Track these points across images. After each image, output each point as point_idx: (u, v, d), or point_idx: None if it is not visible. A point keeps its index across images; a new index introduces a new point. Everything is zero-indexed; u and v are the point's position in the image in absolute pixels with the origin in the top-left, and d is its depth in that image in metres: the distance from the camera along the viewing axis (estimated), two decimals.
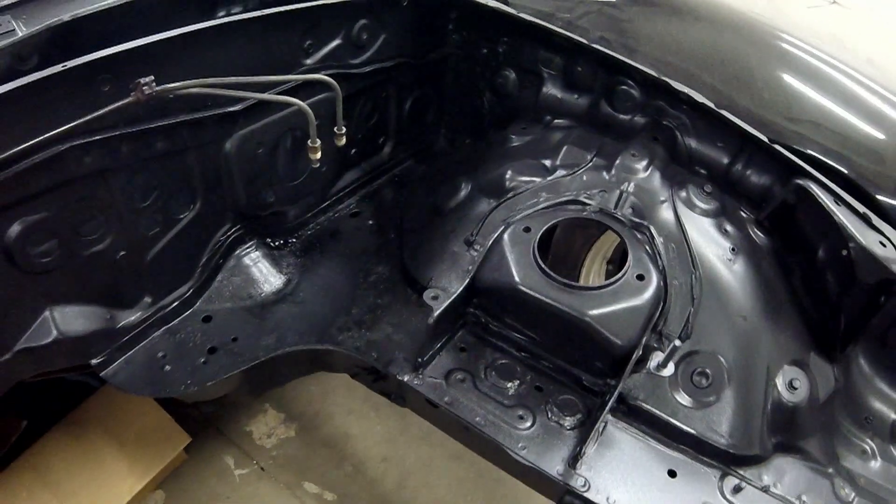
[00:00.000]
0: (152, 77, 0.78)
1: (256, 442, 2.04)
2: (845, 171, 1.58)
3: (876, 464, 1.19)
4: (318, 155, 0.96)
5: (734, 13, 1.82)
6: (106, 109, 0.81)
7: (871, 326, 1.17)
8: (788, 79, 1.70)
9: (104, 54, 0.84)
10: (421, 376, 1.05)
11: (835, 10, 2.36)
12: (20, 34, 0.99)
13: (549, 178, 1.18)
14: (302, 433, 2.07)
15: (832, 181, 1.43)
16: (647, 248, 1.05)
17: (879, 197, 1.52)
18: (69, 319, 1.03)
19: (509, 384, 1.07)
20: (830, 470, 1.12)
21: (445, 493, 1.94)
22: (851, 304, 1.13)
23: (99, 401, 1.74)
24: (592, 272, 1.61)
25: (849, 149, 1.61)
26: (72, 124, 0.83)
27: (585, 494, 0.95)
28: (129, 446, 1.69)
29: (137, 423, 1.72)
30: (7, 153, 0.83)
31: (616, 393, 0.97)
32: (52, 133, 0.83)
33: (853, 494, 1.09)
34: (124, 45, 0.86)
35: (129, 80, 0.86)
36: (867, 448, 1.20)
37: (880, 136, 1.65)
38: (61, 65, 0.82)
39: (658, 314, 1.01)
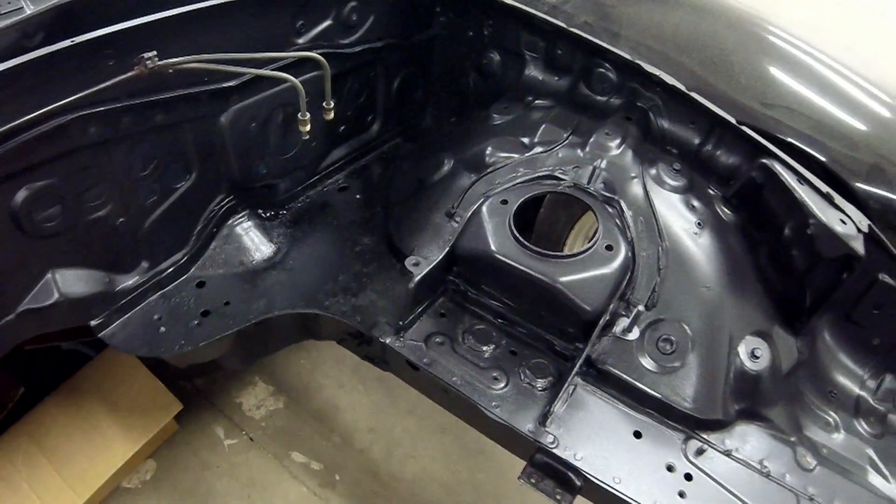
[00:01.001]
0: (155, 52, 0.85)
1: (246, 413, 2.13)
2: (817, 156, 1.68)
3: (839, 436, 1.25)
4: (308, 127, 1.03)
5: (715, 1, 1.90)
6: (110, 82, 0.88)
7: (836, 302, 1.24)
8: (765, 65, 1.77)
9: (109, 31, 0.90)
10: (402, 339, 1.13)
11: None
12: (28, 12, 1.06)
13: (526, 155, 1.25)
14: (291, 405, 2.16)
15: (806, 165, 1.52)
16: (617, 220, 1.13)
17: (856, 184, 1.62)
18: (70, 282, 1.10)
19: (485, 348, 1.15)
20: (793, 439, 1.19)
21: (431, 464, 2.04)
22: (816, 279, 1.21)
23: (94, 369, 1.82)
24: (574, 251, 1.70)
25: (823, 134, 1.68)
26: (77, 96, 0.89)
27: (554, 451, 1.03)
28: (123, 413, 1.77)
29: (131, 391, 1.79)
30: (15, 122, 0.90)
31: (584, 355, 1.05)
32: (58, 104, 0.90)
33: (815, 463, 1.16)
34: (128, 22, 0.92)
35: (132, 55, 0.92)
36: (831, 420, 1.27)
37: (854, 122, 1.73)
38: (69, 40, 0.88)
39: (626, 283, 1.08)
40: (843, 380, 1.31)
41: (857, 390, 1.31)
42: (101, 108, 0.97)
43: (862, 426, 1.29)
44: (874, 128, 1.70)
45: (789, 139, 1.65)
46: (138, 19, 0.94)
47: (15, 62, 0.87)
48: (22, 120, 0.89)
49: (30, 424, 1.73)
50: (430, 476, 1.99)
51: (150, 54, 0.86)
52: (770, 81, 1.74)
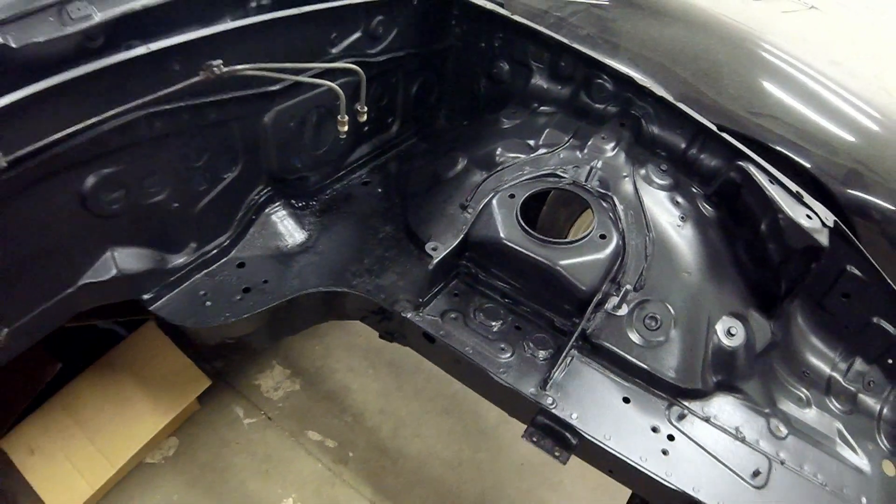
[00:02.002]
0: (221, 60, 1.02)
1: (264, 394, 2.29)
2: (802, 162, 1.85)
3: (811, 411, 1.38)
4: (346, 128, 1.20)
5: (708, 16, 2.08)
6: (181, 85, 1.05)
7: (808, 291, 1.40)
8: (753, 76, 1.95)
9: (180, 40, 1.07)
10: (421, 314, 1.30)
11: (812, 14, 2.62)
12: (96, 19, 1.22)
13: (532, 155, 1.42)
14: (306, 387, 2.33)
15: (792, 170, 1.69)
16: (610, 214, 1.30)
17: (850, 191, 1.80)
18: (127, 259, 1.25)
19: (494, 323, 1.31)
20: (767, 410, 1.34)
21: (435, 443, 2.20)
22: (789, 270, 1.37)
23: (126, 348, 1.98)
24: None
25: (805, 140, 1.87)
26: (151, 97, 1.06)
27: (553, 410, 1.19)
28: (153, 388, 1.93)
29: (161, 367, 1.96)
30: (93, 119, 1.06)
31: (580, 328, 1.22)
32: (133, 104, 1.07)
33: (787, 432, 1.29)
34: (194, 33, 1.09)
35: (195, 62, 1.09)
36: (803, 396, 1.40)
37: (835, 129, 1.91)
38: (144, 47, 1.05)
39: (616, 267, 1.25)
40: (815, 361, 1.45)
41: (828, 371, 1.44)
42: (166, 107, 1.14)
43: (833, 403, 1.42)
44: (854, 135, 1.88)
45: (777, 147, 1.84)
46: (203, 31, 1.11)
47: (98, 65, 1.03)
48: (100, 117, 1.06)
49: (65, 398, 1.89)
50: (435, 454, 2.16)
51: (216, 62, 1.03)
52: (757, 92, 1.93)
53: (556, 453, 1.22)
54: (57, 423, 1.83)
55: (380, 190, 1.61)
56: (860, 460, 1.33)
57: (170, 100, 1.13)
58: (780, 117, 1.87)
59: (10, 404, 1.83)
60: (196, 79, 1.05)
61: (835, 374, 1.44)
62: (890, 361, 1.41)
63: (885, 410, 1.41)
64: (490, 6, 1.53)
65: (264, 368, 2.34)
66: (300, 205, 1.48)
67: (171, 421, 1.93)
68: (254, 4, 1.44)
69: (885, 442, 1.38)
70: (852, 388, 1.43)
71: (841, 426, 1.38)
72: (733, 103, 1.86)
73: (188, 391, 1.95)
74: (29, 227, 1.08)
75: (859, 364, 1.43)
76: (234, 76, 1.10)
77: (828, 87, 1.94)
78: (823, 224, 1.27)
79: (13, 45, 1.04)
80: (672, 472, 1.16)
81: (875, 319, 1.37)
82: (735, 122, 1.82)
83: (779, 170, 1.42)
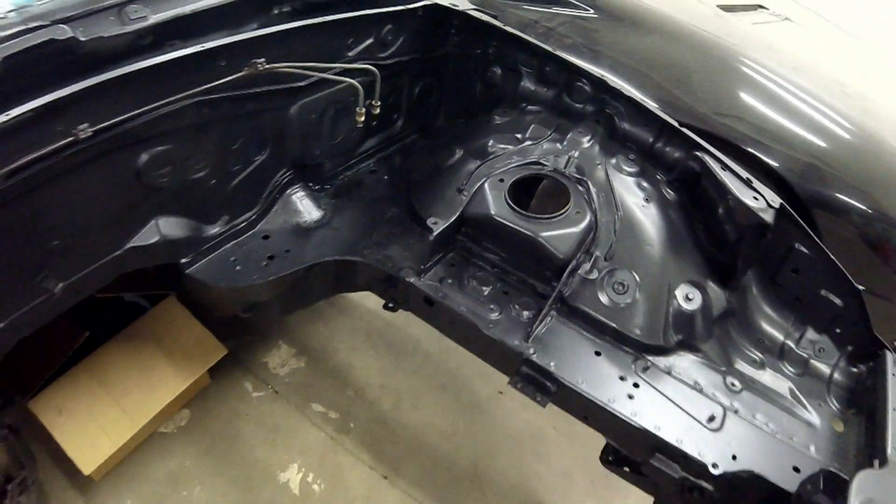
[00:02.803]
0: (264, 59, 1.27)
1: (272, 371, 2.52)
2: (761, 156, 2.11)
3: (765, 373, 1.56)
4: (363, 118, 1.45)
5: (682, 28, 2.36)
6: (229, 78, 1.29)
7: (761, 265, 1.59)
8: (720, 81, 2.23)
9: (228, 41, 1.31)
10: (422, 280, 1.53)
11: (784, 25, 2.92)
12: (150, 20, 1.46)
13: (519, 147, 1.67)
14: (311, 364, 2.55)
15: (750, 163, 1.94)
16: (585, 195, 1.54)
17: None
18: (169, 226, 1.47)
19: (485, 289, 1.54)
20: (724, 369, 1.53)
21: (431, 415, 2.43)
22: (743, 247, 1.59)
23: (150, 319, 2.20)
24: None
25: (766, 137, 2.13)
26: (201, 88, 1.30)
27: (534, 359, 1.42)
28: (173, 355, 2.15)
29: (181, 336, 2.18)
30: (150, 106, 1.30)
31: (558, 290, 1.46)
32: (185, 93, 1.31)
33: (741, 387, 1.48)
34: (239, 35, 1.33)
35: (238, 60, 1.33)
36: (758, 359, 1.58)
37: (794, 128, 2.17)
38: (199, 45, 1.29)
39: (589, 239, 1.48)
40: (770, 329, 1.63)
41: (782, 338, 1.62)
42: (212, 97, 1.38)
43: (786, 367, 1.59)
44: (811, 133, 2.14)
45: (738, 143, 2.10)
46: (246, 34, 1.35)
47: (158, 60, 1.27)
48: (159, 103, 1.29)
49: (92, 364, 2.10)
50: (432, 425, 2.39)
51: (260, 60, 1.28)
52: (724, 95, 2.20)
53: (538, 398, 1.45)
54: (83, 387, 2.03)
55: (386, 178, 1.86)
56: (810, 416, 1.49)
57: (215, 91, 1.37)
58: (743, 117, 2.13)
59: (40, 369, 2.03)
60: (241, 73, 1.30)
61: (788, 342, 1.61)
62: (838, 331, 1.58)
63: (835, 375, 1.58)
64: (485, 18, 1.79)
65: (271, 348, 2.57)
66: (317, 187, 1.73)
67: (189, 387, 2.15)
68: (276, 11, 1.70)
69: (835, 402, 1.54)
70: (804, 355, 1.60)
71: (793, 386, 1.55)
72: (702, 105, 2.13)
73: (206, 358, 2.18)
74: (94, 193, 1.30)
75: (811, 333, 1.61)
76: (269, 72, 1.36)
77: (789, 91, 2.21)
78: (769, 205, 1.50)
79: (81, 39, 1.28)
80: (637, 413, 1.38)
81: (822, 292, 1.56)
82: (703, 121, 2.09)
83: (741, 163, 1.68)
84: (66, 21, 1.30)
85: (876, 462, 1.27)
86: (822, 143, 2.12)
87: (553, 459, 2.33)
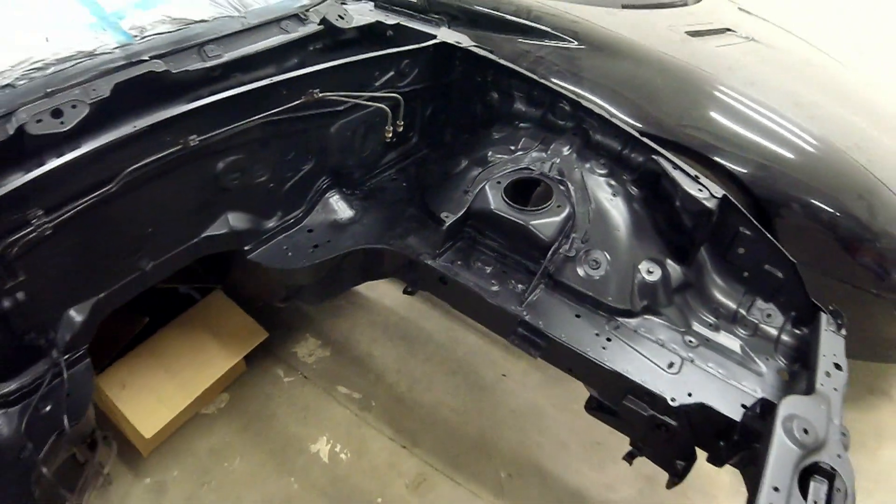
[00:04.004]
0: (319, 88, 1.80)
1: (301, 359, 2.98)
2: (717, 160, 2.62)
3: (719, 334, 1.88)
4: (390, 135, 1.98)
5: (651, 54, 2.91)
6: (292, 104, 1.81)
7: (713, 246, 1.96)
8: (682, 97, 2.76)
9: (291, 76, 1.81)
10: (437, 262, 2.03)
11: (749, 45, 3.46)
12: (224, 58, 1.98)
13: (512, 156, 2.19)
14: (335, 353, 3.02)
15: (708, 166, 2.46)
16: (565, 192, 2.05)
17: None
18: (236, 220, 1.95)
19: (487, 268, 2.02)
20: (683, 329, 1.86)
21: (443, 395, 2.88)
22: (697, 232, 1.99)
23: (200, 308, 2.65)
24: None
25: (722, 142, 2.66)
26: (268, 112, 1.82)
27: (527, 319, 1.86)
28: (221, 337, 2.58)
29: (228, 322, 2.64)
30: (227, 127, 1.81)
31: (544, 266, 1.96)
32: (256, 117, 1.82)
33: (698, 343, 1.82)
34: (297, 71, 1.86)
35: (295, 90, 1.85)
36: (713, 323, 1.91)
37: (747, 134, 2.67)
38: (269, 79, 1.80)
39: (569, 226, 1.98)
40: (724, 299, 1.96)
41: (734, 306, 1.93)
42: (274, 118, 1.88)
43: (738, 329, 1.89)
44: (763, 138, 2.65)
45: (699, 150, 2.62)
46: (302, 70, 1.85)
47: (244, 89, 1.75)
48: (237, 124, 1.81)
49: (151, 345, 2.51)
50: (444, 404, 2.85)
51: (315, 90, 1.81)
52: (686, 109, 2.73)
53: (531, 352, 1.93)
54: (144, 364, 2.44)
55: (404, 184, 2.38)
56: (759, 368, 1.79)
57: (278, 114, 1.88)
58: (702, 127, 2.66)
59: (106, 349, 2.46)
60: (300, 101, 1.83)
61: (740, 310, 1.92)
62: (782, 299, 1.91)
63: (782, 336, 1.89)
64: (483, 53, 2.33)
65: (300, 340, 3.05)
66: (349, 192, 2.25)
67: (234, 366, 2.63)
68: (311, 48, 2.25)
69: (782, 358, 1.84)
70: (754, 320, 1.91)
71: (744, 345, 1.86)
72: (667, 118, 2.67)
73: (249, 340, 2.66)
74: (182, 191, 1.77)
75: (759, 302, 1.93)
76: (317, 98, 1.89)
77: (742, 103, 2.73)
78: (712, 195, 1.99)
79: (173, 71, 1.81)
80: (610, 360, 1.80)
81: (766, 267, 1.89)
82: (668, 131, 2.63)
83: (701, 165, 2.18)
84: (159, 57, 1.84)
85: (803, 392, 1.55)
86: (770, 146, 2.64)
87: (552, 432, 2.79)
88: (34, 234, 1.41)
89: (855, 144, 2.74)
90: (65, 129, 1.55)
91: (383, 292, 3.35)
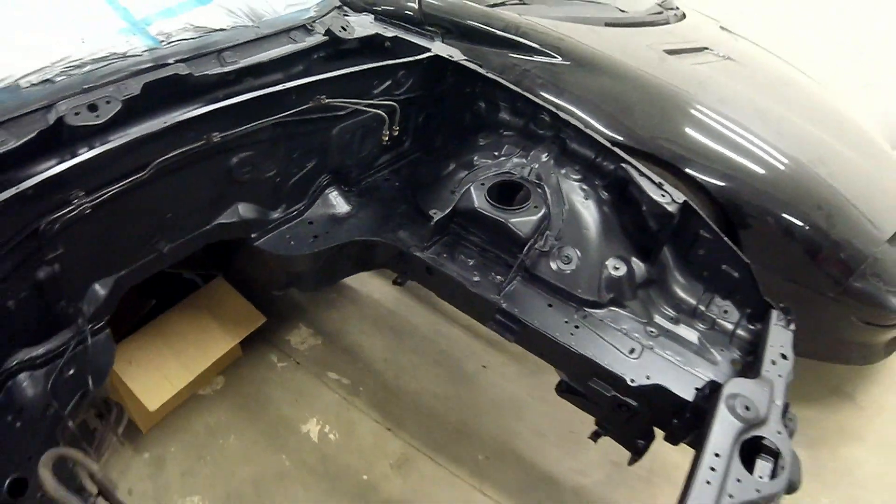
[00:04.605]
0: (325, 95, 2.10)
1: (293, 346, 3.24)
2: (684, 169, 2.94)
3: (679, 327, 2.08)
4: (387, 138, 2.28)
5: (628, 69, 3.23)
6: (299, 109, 2.10)
7: (676, 247, 2.22)
8: (656, 112, 3.08)
9: (301, 83, 2.06)
10: (424, 254, 2.31)
11: (724, 63, 3.80)
12: (240, 64, 2.26)
13: (496, 161, 2.48)
14: (326, 342, 3.29)
15: (674, 173, 2.78)
16: (542, 194, 2.35)
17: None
18: (245, 210, 2.20)
19: (470, 261, 2.30)
20: (645, 321, 2.06)
21: (427, 384, 3.15)
22: (661, 233, 2.28)
23: (204, 293, 2.91)
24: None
25: (691, 153, 2.98)
26: (280, 115, 2.11)
27: (504, 307, 2.14)
28: (222, 320, 2.83)
29: (228, 306, 2.89)
30: (241, 128, 2.07)
31: (520, 259, 2.26)
32: (268, 119, 2.10)
33: (658, 333, 2.02)
34: (306, 79, 2.13)
35: (303, 95, 2.14)
36: (673, 316, 2.10)
37: (715, 146, 2.99)
38: (280, 85, 2.09)
39: (544, 225, 2.26)
40: (685, 296, 2.16)
41: (695, 303, 2.11)
42: (283, 120, 2.17)
43: (697, 323, 2.08)
44: (729, 150, 2.96)
45: (666, 158, 2.94)
46: (309, 78, 2.14)
47: (260, 93, 2.00)
48: (251, 125, 2.09)
49: (157, 326, 2.72)
50: (427, 391, 3.12)
51: (322, 96, 2.10)
52: (658, 122, 3.06)
53: (507, 336, 2.23)
54: (150, 343, 2.65)
55: (397, 184, 2.67)
56: (714, 357, 1.98)
57: (288, 116, 2.14)
58: (674, 140, 2.98)
59: (116, 329, 2.78)
60: (308, 105, 2.12)
61: (700, 306, 2.11)
62: (738, 297, 2.10)
63: (737, 331, 2.07)
64: (472, 66, 2.64)
65: (293, 329, 3.33)
66: (347, 189, 2.53)
67: (232, 349, 2.91)
68: (315, 56, 2.55)
69: (736, 350, 2.02)
70: (712, 315, 2.10)
71: (702, 337, 2.05)
72: (641, 129, 2.99)
73: (248, 324, 2.91)
74: (199, 183, 2.01)
75: (717, 300, 2.12)
76: (322, 103, 2.18)
77: (710, 117, 3.05)
78: (674, 200, 2.29)
79: (195, 74, 2.08)
80: (577, 344, 2.06)
81: (724, 267, 2.09)
82: (641, 142, 2.95)
83: (672, 176, 2.50)
84: (182, 61, 2.11)
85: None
86: (736, 159, 2.95)
87: (528, 420, 3.07)
88: (75, 213, 1.65)
89: (818, 158, 3.06)
90: (100, 122, 1.79)
91: (373, 287, 3.64)
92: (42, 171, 1.61)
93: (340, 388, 3.04)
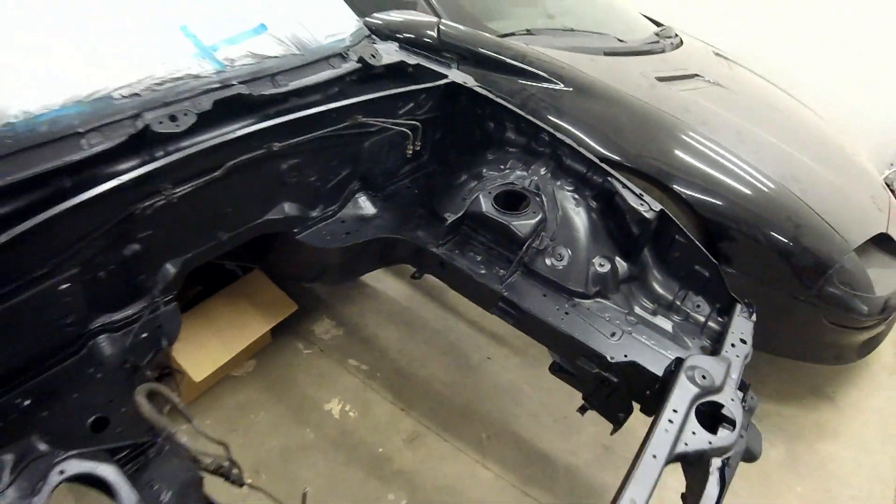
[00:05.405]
0: (360, 114, 2.65)
1: (318, 336, 3.74)
2: (669, 185, 3.47)
3: (656, 318, 2.41)
4: (411, 152, 2.82)
5: (621, 95, 3.77)
6: (339, 126, 2.64)
7: (655, 249, 2.68)
8: (644, 133, 3.61)
9: (342, 104, 2.58)
10: (439, 250, 2.85)
11: (713, 89, 4.34)
12: (290, 86, 2.78)
13: (501, 173, 3.02)
14: (347, 333, 3.80)
15: (659, 188, 3.32)
16: (539, 202, 2.89)
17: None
18: (290, 208, 2.66)
19: (478, 257, 2.82)
20: (626, 311, 2.38)
21: (437, 371, 3.63)
22: (642, 238, 2.86)
23: (243, 282, 3.26)
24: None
25: (674, 169, 3.51)
26: (325, 130, 2.65)
27: (506, 295, 2.66)
28: (259, 306, 3.24)
29: (265, 295, 3.38)
30: (299, 138, 2.57)
31: (520, 256, 2.79)
32: (311, 135, 2.64)
33: (637, 321, 2.34)
34: (345, 101, 2.68)
35: (342, 114, 2.67)
36: (651, 308, 2.43)
37: (696, 163, 3.51)
38: (325, 106, 2.62)
39: (541, 227, 2.80)
40: (662, 291, 2.50)
41: (671, 298, 2.43)
42: (326, 134, 2.71)
43: (672, 315, 2.40)
44: (709, 168, 3.48)
45: (653, 175, 3.47)
46: (351, 100, 2.68)
47: (309, 112, 2.52)
48: (302, 138, 2.60)
49: (203, 309, 3.05)
50: (437, 378, 3.61)
51: (358, 115, 2.65)
52: (646, 142, 3.60)
53: (508, 321, 2.75)
54: (195, 324, 3.00)
55: (416, 191, 3.19)
56: (685, 343, 2.29)
57: (330, 131, 2.71)
58: (659, 158, 3.51)
59: None
60: (346, 123, 2.67)
61: (676, 301, 2.44)
62: (709, 294, 2.42)
63: (708, 322, 2.38)
64: (483, 92, 3.19)
65: (317, 320, 3.83)
66: (373, 194, 3.04)
67: (265, 335, 3.44)
68: (348, 80, 3.09)
69: (706, 339, 2.32)
70: (686, 309, 2.44)
71: (675, 326, 2.37)
72: (631, 149, 3.52)
73: (282, 310, 3.41)
74: (255, 183, 2.48)
75: (691, 296, 2.46)
76: (361, 123, 2.74)
77: (694, 139, 3.58)
78: (651, 209, 2.80)
79: (254, 94, 2.62)
80: (566, 327, 2.56)
81: (696, 267, 2.43)
82: (631, 161, 3.48)
83: (658, 191, 3.05)
84: (244, 82, 2.65)
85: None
86: (715, 175, 3.46)
87: (526, 405, 3.56)
88: (163, 202, 2.10)
89: (791, 175, 3.56)
90: (179, 130, 2.23)
91: (388, 286, 4.17)
92: (128, 169, 2.02)
93: (359, 373, 3.52)
